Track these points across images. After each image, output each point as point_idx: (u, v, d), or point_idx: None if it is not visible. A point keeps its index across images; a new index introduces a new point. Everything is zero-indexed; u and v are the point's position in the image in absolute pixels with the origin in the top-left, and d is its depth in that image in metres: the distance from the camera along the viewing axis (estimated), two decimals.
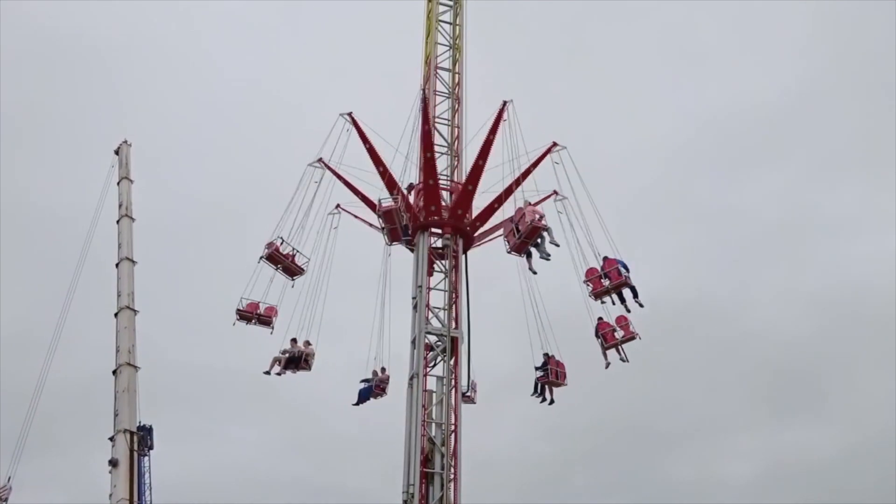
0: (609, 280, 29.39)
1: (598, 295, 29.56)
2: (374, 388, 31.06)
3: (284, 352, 30.83)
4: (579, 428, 61.86)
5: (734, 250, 66.43)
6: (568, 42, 66.76)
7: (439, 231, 30.10)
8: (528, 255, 29.41)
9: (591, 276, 29.62)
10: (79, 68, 70.46)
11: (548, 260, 29.17)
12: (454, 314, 29.33)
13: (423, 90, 30.50)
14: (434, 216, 29.88)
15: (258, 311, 30.76)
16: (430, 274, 29.72)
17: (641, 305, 29.60)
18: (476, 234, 30.59)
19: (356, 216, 31.32)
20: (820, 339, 63.58)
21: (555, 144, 30.58)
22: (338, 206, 31.53)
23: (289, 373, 31.05)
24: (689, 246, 63.72)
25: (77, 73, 70.43)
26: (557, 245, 29.36)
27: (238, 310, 30.66)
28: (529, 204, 29.25)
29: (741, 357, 63.84)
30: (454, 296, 29.47)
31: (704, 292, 64.13)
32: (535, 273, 29.67)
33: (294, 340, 30.92)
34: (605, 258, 29.68)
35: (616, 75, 67.86)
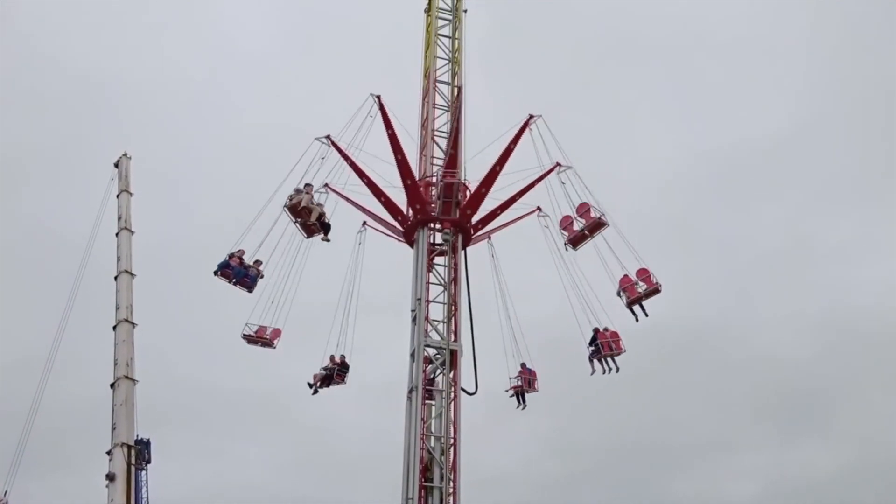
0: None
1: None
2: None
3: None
4: (586, 445, 62.26)
5: (737, 276, 67.63)
6: (573, 71, 67.71)
7: (438, 227, 30.11)
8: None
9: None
10: (83, 94, 70.73)
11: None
12: (453, 327, 29.27)
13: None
14: (421, 213, 29.94)
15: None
16: (429, 270, 29.70)
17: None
18: (472, 224, 30.54)
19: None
20: (822, 361, 64.26)
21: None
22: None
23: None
24: (693, 272, 64.48)
25: (82, 99, 70.69)
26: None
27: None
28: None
29: (745, 377, 64.40)
30: (453, 308, 29.41)
31: (709, 315, 64.89)
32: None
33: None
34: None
35: (620, 105, 68.85)
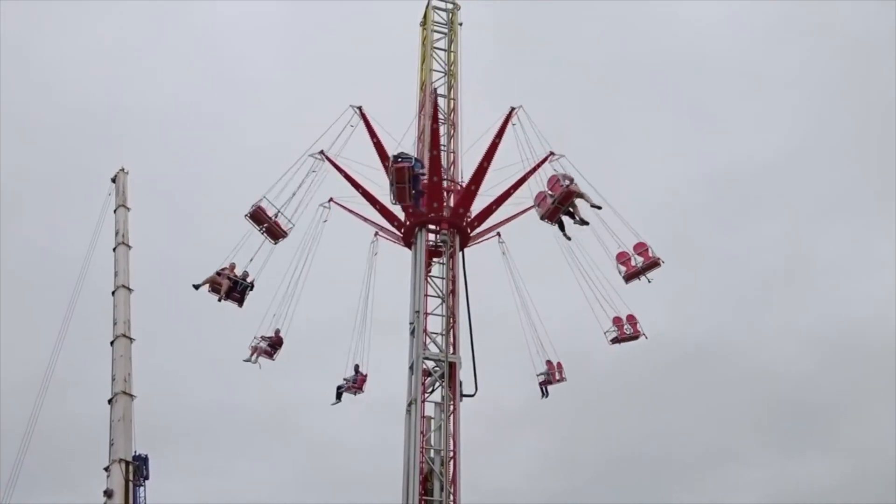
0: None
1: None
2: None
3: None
4: (587, 459, 62.29)
5: (736, 291, 67.90)
6: (574, 92, 68.54)
7: (435, 228, 30.26)
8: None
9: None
10: (85, 118, 70.89)
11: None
12: (452, 339, 29.25)
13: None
14: (434, 213, 30.08)
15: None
16: (427, 271, 29.77)
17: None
18: (473, 234, 30.89)
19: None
20: (822, 373, 64.66)
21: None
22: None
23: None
24: (693, 288, 64.78)
25: (83, 123, 70.81)
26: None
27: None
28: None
29: (746, 390, 64.62)
30: (451, 321, 29.39)
31: (709, 329, 65.10)
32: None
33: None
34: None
35: (619, 126, 69.65)
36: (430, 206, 30.07)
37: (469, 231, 30.71)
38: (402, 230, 30.61)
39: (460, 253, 30.43)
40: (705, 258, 66.44)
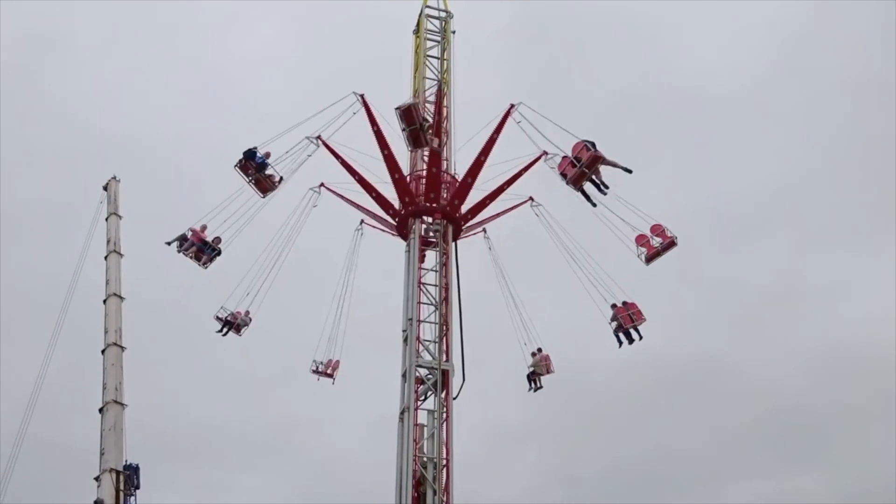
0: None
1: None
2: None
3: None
4: (591, 476, 62.44)
5: (733, 313, 68.51)
6: (578, 121, 69.61)
7: (429, 219, 30.37)
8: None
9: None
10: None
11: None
12: (445, 347, 29.02)
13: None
14: (431, 203, 30.10)
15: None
16: (421, 261, 29.79)
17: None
18: (465, 227, 30.98)
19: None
20: (816, 392, 65.02)
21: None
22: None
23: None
24: (691, 309, 65.41)
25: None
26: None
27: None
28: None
29: (746, 409, 64.97)
30: (445, 328, 29.21)
31: (707, 349, 65.59)
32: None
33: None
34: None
35: (620, 155, 70.49)
36: (427, 196, 30.12)
37: (462, 223, 30.73)
38: (397, 219, 30.56)
39: (453, 244, 30.41)
40: (702, 280, 67.05)
